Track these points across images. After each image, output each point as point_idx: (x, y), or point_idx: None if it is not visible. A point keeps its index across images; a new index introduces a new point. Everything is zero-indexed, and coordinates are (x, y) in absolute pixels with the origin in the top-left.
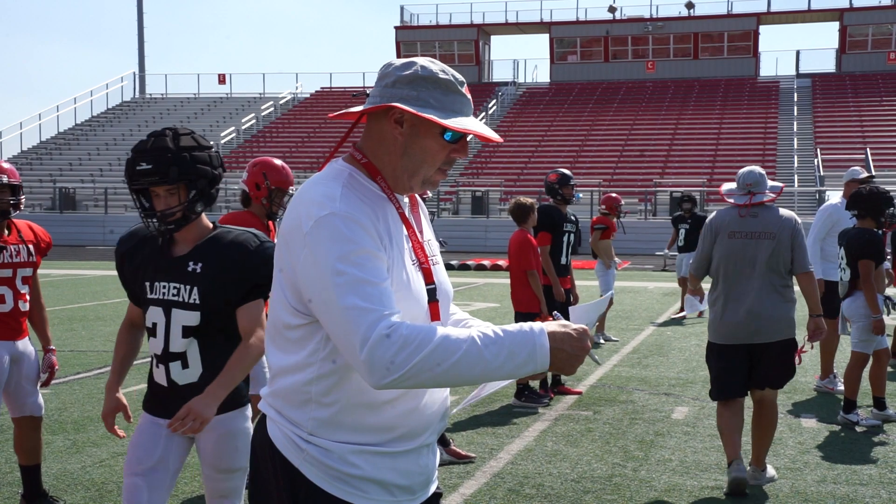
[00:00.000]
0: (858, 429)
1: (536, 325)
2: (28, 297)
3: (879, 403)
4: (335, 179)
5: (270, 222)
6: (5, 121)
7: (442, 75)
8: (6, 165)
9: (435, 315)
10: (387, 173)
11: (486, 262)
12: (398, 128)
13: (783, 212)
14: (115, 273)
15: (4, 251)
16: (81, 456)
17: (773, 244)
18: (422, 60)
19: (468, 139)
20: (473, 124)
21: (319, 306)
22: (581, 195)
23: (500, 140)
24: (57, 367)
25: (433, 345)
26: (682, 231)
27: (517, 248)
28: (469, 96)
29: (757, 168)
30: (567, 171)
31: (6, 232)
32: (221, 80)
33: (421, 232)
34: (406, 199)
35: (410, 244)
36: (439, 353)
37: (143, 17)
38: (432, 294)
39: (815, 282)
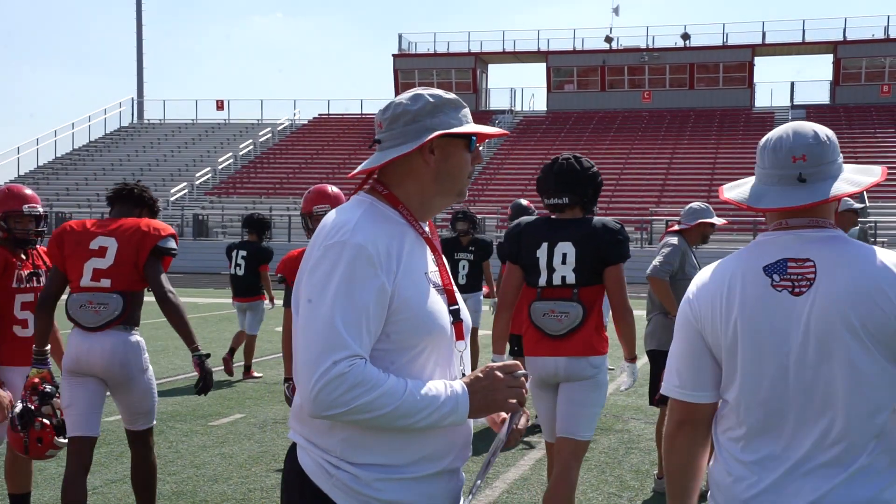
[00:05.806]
0: None
1: (457, 384)
2: None
3: None
4: (356, 207)
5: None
6: (3, 145)
7: (447, 96)
8: (28, 192)
9: (459, 335)
10: (412, 203)
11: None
12: (431, 156)
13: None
14: None
15: (24, 277)
16: None
17: None
18: (422, 90)
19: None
20: (492, 128)
21: (302, 317)
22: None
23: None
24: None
25: (378, 392)
26: (464, 264)
27: None
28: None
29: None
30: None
31: (25, 258)
32: (220, 105)
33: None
34: (427, 227)
35: (437, 267)
36: (381, 400)
37: (143, 44)
38: (456, 314)
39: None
